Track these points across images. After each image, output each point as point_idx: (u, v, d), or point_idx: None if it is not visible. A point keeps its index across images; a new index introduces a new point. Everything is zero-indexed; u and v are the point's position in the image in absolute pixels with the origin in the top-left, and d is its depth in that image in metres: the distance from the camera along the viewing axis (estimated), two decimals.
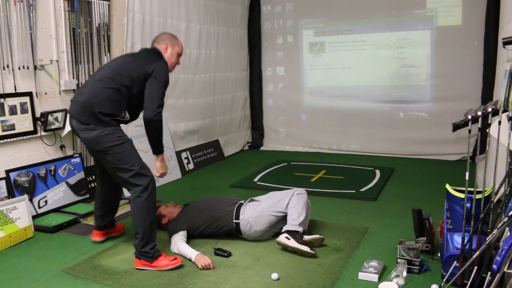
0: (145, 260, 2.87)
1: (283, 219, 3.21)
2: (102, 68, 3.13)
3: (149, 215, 2.90)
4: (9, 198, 3.62)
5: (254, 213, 3.21)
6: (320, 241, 3.13)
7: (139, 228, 2.88)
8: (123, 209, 4.00)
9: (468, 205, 2.44)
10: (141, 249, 2.88)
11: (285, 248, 3.06)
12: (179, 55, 3.16)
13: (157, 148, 2.99)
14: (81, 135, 2.89)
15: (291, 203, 3.19)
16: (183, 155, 5.66)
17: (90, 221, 3.72)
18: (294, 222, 3.10)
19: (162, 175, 3.08)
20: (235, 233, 3.27)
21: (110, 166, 2.92)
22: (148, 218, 2.88)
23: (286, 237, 3.05)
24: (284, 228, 3.11)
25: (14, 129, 3.83)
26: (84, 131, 2.84)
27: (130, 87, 2.91)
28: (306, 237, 3.09)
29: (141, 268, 2.89)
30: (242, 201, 3.36)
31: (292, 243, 3.01)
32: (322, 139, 6.85)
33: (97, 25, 4.49)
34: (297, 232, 3.06)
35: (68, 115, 3.07)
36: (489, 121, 2.43)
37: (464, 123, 2.51)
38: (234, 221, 3.23)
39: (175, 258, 2.92)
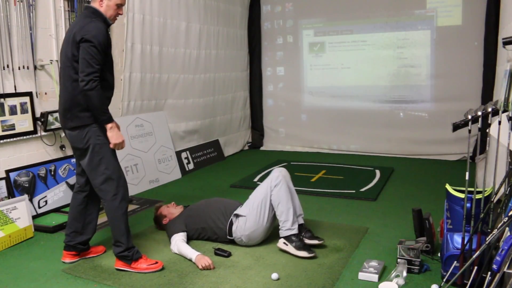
0: (124, 262, 2.88)
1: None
2: (60, 66, 2.93)
3: (123, 222, 2.86)
4: (9, 198, 3.62)
5: (245, 231, 3.13)
6: (320, 245, 3.13)
7: (115, 235, 2.88)
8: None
9: (468, 205, 2.44)
10: (118, 253, 2.87)
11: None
12: (118, 5, 2.82)
13: (99, 117, 2.71)
14: (65, 132, 2.90)
15: (274, 202, 3.09)
16: (183, 155, 5.66)
17: None
18: (286, 225, 3.05)
19: (116, 146, 2.78)
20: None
21: (87, 167, 2.85)
22: (122, 225, 2.85)
23: (284, 243, 3.06)
24: (280, 234, 3.08)
25: (14, 129, 3.83)
26: (68, 129, 2.85)
27: (78, 70, 2.68)
28: (306, 241, 3.08)
29: (121, 269, 2.89)
30: (236, 212, 3.21)
31: (290, 249, 3.02)
32: (322, 139, 6.85)
33: None
34: (293, 235, 3.04)
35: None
36: (489, 121, 2.43)
37: (464, 123, 2.51)
38: (228, 237, 3.19)
39: (156, 262, 2.90)
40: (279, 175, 3.16)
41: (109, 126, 2.75)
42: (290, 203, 3.09)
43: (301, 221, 3.18)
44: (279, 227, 3.10)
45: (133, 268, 2.87)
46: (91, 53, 2.62)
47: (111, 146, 2.78)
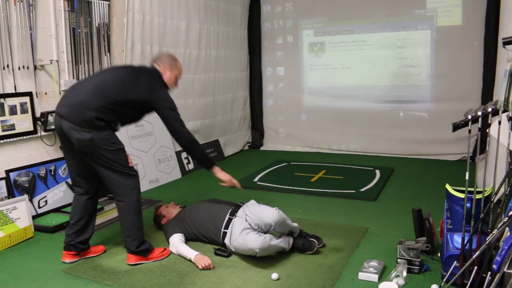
0: (141, 256, 2.95)
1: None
2: (102, 75, 3.07)
3: (140, 215, 2.97)
4: (9, 198, 3.62)
5: (237, 252, 3.03)
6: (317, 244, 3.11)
7: (131, 231, 2.91)
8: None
9: (468, 205, 2.44)
10: (136, 249, 2.93)
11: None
12: (177, 77, 3.15)
13: (207, 162, 3.16)
14: (73, 135, 2.78)
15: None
16: (183, 155, 5.66)
17: None
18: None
19: (231, 183, 3.20)
20: None
21: (100, 167, 2.86)
22: (139, 219, 2.95)
23: None
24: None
25: (14, 129, 3.83)
26: (78, 131, 2.76)
27: (132, 104, 2.91)
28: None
29: (136, 263, 2.94)
30: (224, 241, 3.09)
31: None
32: (322, 139, 6.85)
33: (97, 25, 4.49)
34: (292, 243, 3.07)
35: (55, 115, 2.94)
36: (489, 121, 2.43)
37: (464, 123, 2.51)
38: (224, 243, 3.12)
39: (164, 249, 3.08)
40: (254, 245, 2.83)
41: (216, 169, 3.19)
42: (278, 245, 2.96)
43: (295, 235, 3.13)
44: None
45: (149, 259, 2.98)
46: (175, 114, 3.00)
47: (228, 184, 3.22)
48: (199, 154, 3.14)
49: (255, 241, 2.83)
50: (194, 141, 3.10)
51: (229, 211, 3.15)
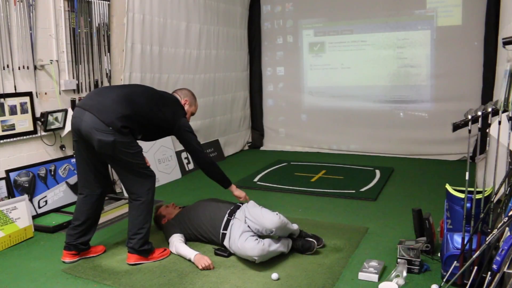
0: (142, 256, 2.97)
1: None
2: (130, 87, 3.17)
3: (150, 216, 3.03)
4: (9, 198, 3.63)
5: (237, 254, 3.02)
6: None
7: (141, 229, 2.94)
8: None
9: (468, 205, 2.44)
10: (139, 247, 2.94)
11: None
12: (192, 114, 3.37)
13: (225, 182, 3.31)
14: (95, 136, 2.75)
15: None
16: (183, 155, 5.66)
17: None
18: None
19: (246, 199, 3.34)
20: None
21: (119, 168, 2.95)
22: (150, 218, 3.02)
23: None
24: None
25: (14, 129, 3.83)
26: (101, 132, 2.74)
27: (157, 122, 3.02)
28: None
29: (136, 263, 2.95)
30: (224, 243, 3.08)
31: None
32: (322, 139, 6.85)
33: (97, 25, 4.49)
34: (292, 244, 3.07)
35: (71, 112, 3.00)
36: (489, 121, 2.43)
37: (464, 123, 2.51)
38: (224, 244, 3.11)
39: (165, 249, 3.10)
40: (253, 253, 2.82)
41: (233, 187, 3.36)
42: (277, 249, 2.94)
43: (295, 236, 3.12)
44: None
45: (149, 259, 3.00)
46: (195, 139, 3.19)
47: (243, 199, 3.34)
48: (218, 175, 3.29)
49: (253, 249, 2.81)
50: (213, 162, 3.30)
51: (228, 212, 3.15)
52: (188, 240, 3.24)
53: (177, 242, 3.10)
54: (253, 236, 2.93)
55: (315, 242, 3.07)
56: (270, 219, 2.91)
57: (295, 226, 3.09)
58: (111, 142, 2.76)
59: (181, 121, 3.13)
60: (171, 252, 3.12)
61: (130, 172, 2.92)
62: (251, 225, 2.96)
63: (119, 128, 2.77)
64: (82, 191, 3.05)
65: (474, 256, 2.18)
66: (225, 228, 3.09)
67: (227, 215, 3.13)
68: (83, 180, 3.04)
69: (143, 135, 3.02)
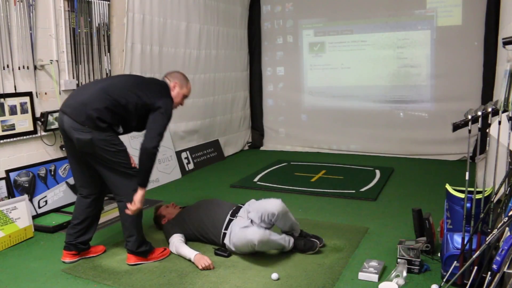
0: (141, 256, 2.96)
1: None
2: (110, 79, 3.07)
3: (140, 217, 2.98)
4: (9, 198, 3.62)
5: (237, 251, 3.04)
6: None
7: (133, 231, 2.92)
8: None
9: (468, 205, 2.44)
10: (137, 249, 2.94)
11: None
12: (184, 96, 3.20)
13: (144, 179, 2.87)
14: (73, 135, 2.78)
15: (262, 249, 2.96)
16: (183, 155, 5.66)
17: None
18: (283, 250, 3.04)
19: (134, 211, 2.86)
20: None
21: (102, 168, 2.87)
22: (139, 221, 2.96)
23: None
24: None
25: (14, 129, 3.83)
26: (78, 131, 2.76)
27: (134, 109, 2.88)
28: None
29: (136, 263, 2.94)
30: (224, 242, 3.09)
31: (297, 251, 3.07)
32: (322, 139, 6.85)
33: (97, 25, 4.49)
34: (293, 243, 3.06)
35: (59, 113, 2.94)
36: (489, 121, 2.43)
37: (464, 123, 2.51)
38: (224, 243, 3.12)
39: (165, 249, 3.09)
40: (256, 244, 2.84)
41: (143, 192, 2.86)
42: (278, 241, 2.97)
43: (296, 234, 3.13)
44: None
45: (149, 259, 2.98)
46: (165, 123, 2.92)
47: (133, 207, 2.84)
48: (147, 168, 2.84)
49: (254, 233, 2.84)
50: (155, 155, 2.85)
51: (230, 212, 3.15)
52: (188, 240, 3.24)
53: (177, 242, 3.10)
54: (255, 225, 2.97)
55: (317, 242, 3.09)
56: (272, 203, 2.99)
57: (295, 220, 3.13)
58: (89, 140, 2.74)
59: (160, 102, 2.92)
60: (171, 252, 3.12)
61: (113, 172, 2.86)
62: (254, 216, 3.00)
63: (95, 124, 2.74)
64: (80, 191, 3.05)
65: (474, 256, 2.18)
66: (226, 228, 3.09)
67: (229, 215, 3.14)
68: (80, 181, 3.04)
69: (123, 126, 2.93)
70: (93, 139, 2.74)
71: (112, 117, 2.82)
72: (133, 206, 2.84)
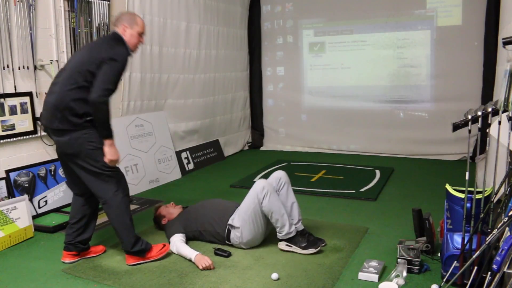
0: (139, 256, 2.95)
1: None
2: (64, 69, 2.93)
3: (128, 215, 2.91)
4: (9, 198, 3.62)
5: (243, 239, 3.10)
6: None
7: (123, 232, 2.90)
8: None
9: (468, 205, 2.44)
10: (131, 249, 2.92)
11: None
12: (140, 34, 2.95)
13: (104, 132, 2.76)
14: (52, 137, 2.84)
15: (267, 213, 3.03)
16: (183, 155, 5.66)
17: None
18: (283, 230, 3.04)
19: (111, 162, 2.79)
20: None
21: (82, 172, 2.85)
22: (127, 219, 2.91)
23: (287, 245, 3.09)
24: (279, 238, 3.09)
25: (14, 129, 3.83)
26: (54, 133, 2.79)
27: (85, 84, 2.75)
28: (300, 251, 3.06)
29: (135, 264, 2.94)
30: (229, 223, 3.16)
31: (296, 249, 3.06)
32: (322, 139, 6.85)
33: (97, 25, 4.49)
34: (293, 236, 3.06)
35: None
36: (489, 121, 2.43)
37: (464, 123, 2.51)
38: (227, 242, 3.17)
39: (164, 245, 3.06)
40: (264, 186, 3.03)
41: (109, 142, 2.77)
42: (282, 209, 3.03)
43: (301, 228, 3.14)
44: (277, 231, 3.09)
45: (147, 258, 2.96)
46: (114, 72, 2.74)
47: (106, 160, 2.78)
48: (102, 120, 2.73)
49: (260, 181, 3.08)
50: (102, 105, 2.69)
51: (237, 207, 3.22)
52: (189, 239, 3.25)
53: (178, 242, 3.10)
54: None
55: (320, 242, 3.09)
56: (276, 172, 3.30)
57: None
58: (67, 141, 2.76)
59: (110, 52, 2.75)
60: (171, 251, 3.11)
61: (91, 174, 2.82)
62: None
63: (70, 123, 2.73)
64: (73, 189, 3.05)
65: (474, 256, 2.18)
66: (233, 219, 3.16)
67: (237, 210, 3.21)
68: (70, 180, 3.04)
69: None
70: (70, 139, 2.75)
71: (83, 105, 2.74)
72: (106, 159, 2.78)
